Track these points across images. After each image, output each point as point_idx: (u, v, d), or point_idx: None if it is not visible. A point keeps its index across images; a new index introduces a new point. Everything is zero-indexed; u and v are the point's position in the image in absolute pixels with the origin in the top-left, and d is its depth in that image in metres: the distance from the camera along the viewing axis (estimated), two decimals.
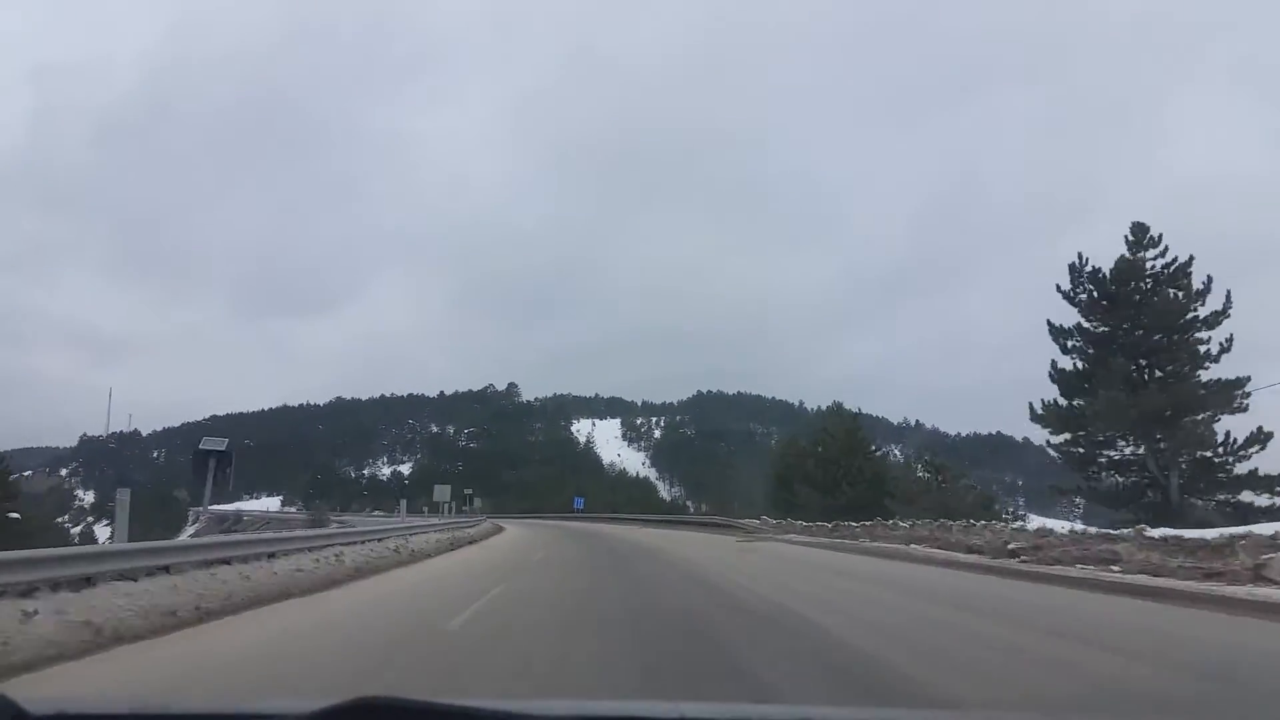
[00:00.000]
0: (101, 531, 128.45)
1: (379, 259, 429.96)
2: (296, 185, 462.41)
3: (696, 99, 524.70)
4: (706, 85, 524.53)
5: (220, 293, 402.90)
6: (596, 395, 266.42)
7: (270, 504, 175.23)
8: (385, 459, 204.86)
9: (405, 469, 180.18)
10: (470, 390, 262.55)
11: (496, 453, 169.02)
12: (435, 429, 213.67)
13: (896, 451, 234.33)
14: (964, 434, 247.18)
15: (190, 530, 76.40)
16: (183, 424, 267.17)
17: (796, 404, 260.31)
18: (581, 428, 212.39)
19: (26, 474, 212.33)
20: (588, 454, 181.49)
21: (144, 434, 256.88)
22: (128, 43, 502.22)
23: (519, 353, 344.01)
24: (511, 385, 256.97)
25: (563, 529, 52.21)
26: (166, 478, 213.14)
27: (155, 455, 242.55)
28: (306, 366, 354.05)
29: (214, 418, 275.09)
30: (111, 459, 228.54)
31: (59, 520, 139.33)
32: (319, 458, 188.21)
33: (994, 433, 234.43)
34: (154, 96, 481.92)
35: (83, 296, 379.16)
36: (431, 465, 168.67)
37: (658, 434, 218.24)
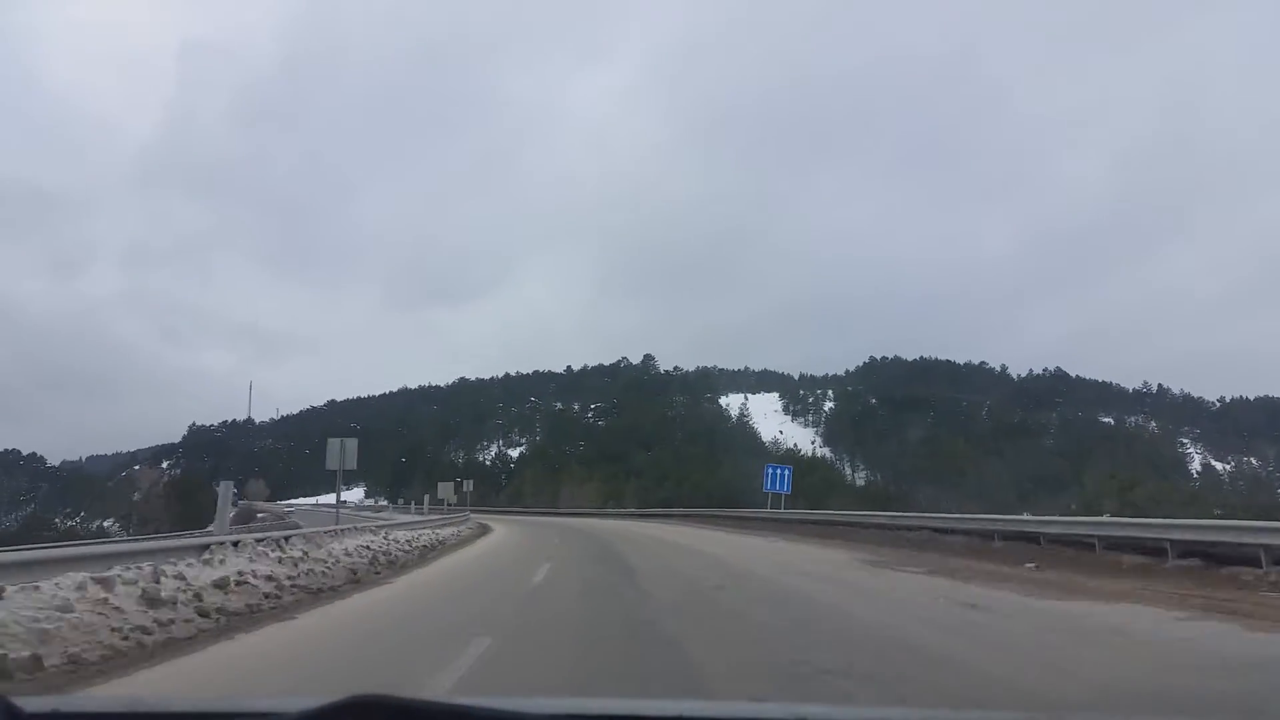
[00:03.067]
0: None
1: (518, 237, 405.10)
2: (436, 163, 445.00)
3: (870, 39, 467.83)
4: (882, 19, 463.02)
5: (351, 275, 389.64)
6: (746, 368, 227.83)
7: (353, 495, 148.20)
8: (501, 440, 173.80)
9: (521, 450, 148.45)
10: (600, 365, 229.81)
11: (627, 429, 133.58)
12: (559, 406, 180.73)
13: (1147, 422, 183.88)
14: (1228, 399, 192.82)
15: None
16: (301, 410, 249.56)
17: (998, 368, 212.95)
18: (732, 402, 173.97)
19: (135, 468, 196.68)
20: (741, 430, 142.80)
21: (258, 421, 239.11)
22: (269, 15, 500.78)
23: (660, 329, 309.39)
24: (648, 357, 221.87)
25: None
26: (260, 467, 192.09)
27: (269, 442, 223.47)
28: (436, 349, 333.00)
29: (332, 403, 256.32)
30: (215, 448, 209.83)
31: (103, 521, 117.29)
32: (426, 442, 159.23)
33: (1265, 396, 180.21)
34: (295, 75, 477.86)
35: (221, 283, 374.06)
36: (548, 445, 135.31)
37: (829, 406, 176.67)
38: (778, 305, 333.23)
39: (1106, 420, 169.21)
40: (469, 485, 58.84)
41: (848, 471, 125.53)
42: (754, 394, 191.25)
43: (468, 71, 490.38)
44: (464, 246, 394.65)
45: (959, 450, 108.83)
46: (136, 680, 5.52)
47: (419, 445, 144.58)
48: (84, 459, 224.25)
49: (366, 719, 1.31)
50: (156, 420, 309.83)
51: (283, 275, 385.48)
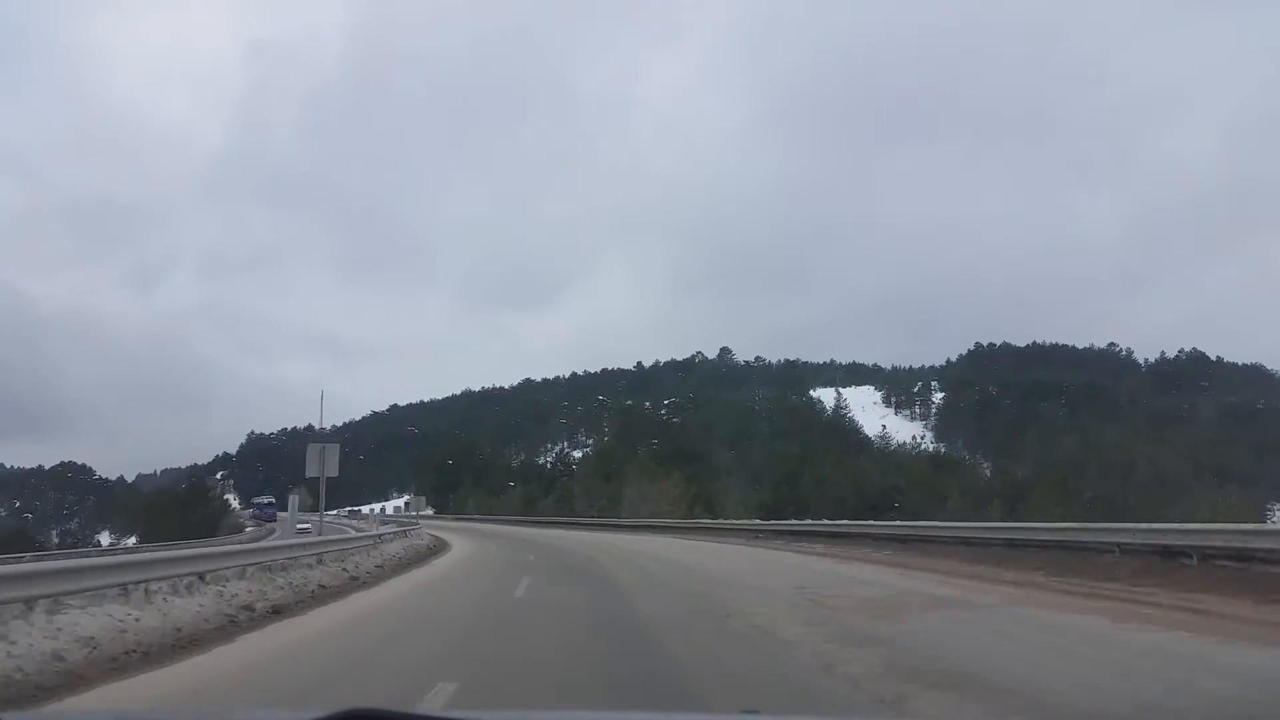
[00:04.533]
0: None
1: (587, 233, 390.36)
2: (503, 163, 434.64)
3: (955, 4, 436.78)
4: None
5: (419, 278, 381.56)
6: (831, 361, 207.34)
7: (393, 505, 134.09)
8: (566, 441, 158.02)
9: (586, 450, 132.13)
10: (673, 360, 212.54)
11: (706, 425, 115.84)
12: (629, 403, 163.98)
13: None
14: None
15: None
16: (363, 416, 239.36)
17: (1123, 352, 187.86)
18: (823, 396, 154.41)
19: (192, 479, 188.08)
20: (838, 424, 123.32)
21: (317, 428, 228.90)
22: (333, 13, 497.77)
23: (734, 324, 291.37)
24: (724, 350, 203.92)
25: None
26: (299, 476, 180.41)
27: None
28: (501, 350, 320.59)
29: (394, 408, 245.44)
30: (269, 457, 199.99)
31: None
32: (484, 445, 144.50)
33: None
34: (361, 75, 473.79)
35: (289, 290, 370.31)
36: (616, 444, 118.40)
37: (939, 398, 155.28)
38: (859, 295, 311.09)
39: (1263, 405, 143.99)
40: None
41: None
42: (844, 388, 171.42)
43: (534, 64, 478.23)
44: (532, 245, 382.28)
45: (1122, 440, 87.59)
46: None
47: (472, 448, 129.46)
48: (158, 472, 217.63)
49: None
50: (224, 431, 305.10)
51: (351, 280, 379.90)
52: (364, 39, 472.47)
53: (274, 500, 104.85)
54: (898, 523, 29.31)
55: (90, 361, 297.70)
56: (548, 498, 76.12)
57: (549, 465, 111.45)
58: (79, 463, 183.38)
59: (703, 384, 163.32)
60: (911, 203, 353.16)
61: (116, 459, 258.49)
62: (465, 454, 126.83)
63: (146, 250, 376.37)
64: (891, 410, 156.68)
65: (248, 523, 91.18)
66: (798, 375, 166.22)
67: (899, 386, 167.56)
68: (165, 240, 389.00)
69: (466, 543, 31.34)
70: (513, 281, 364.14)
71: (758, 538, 29.32)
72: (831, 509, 41.07)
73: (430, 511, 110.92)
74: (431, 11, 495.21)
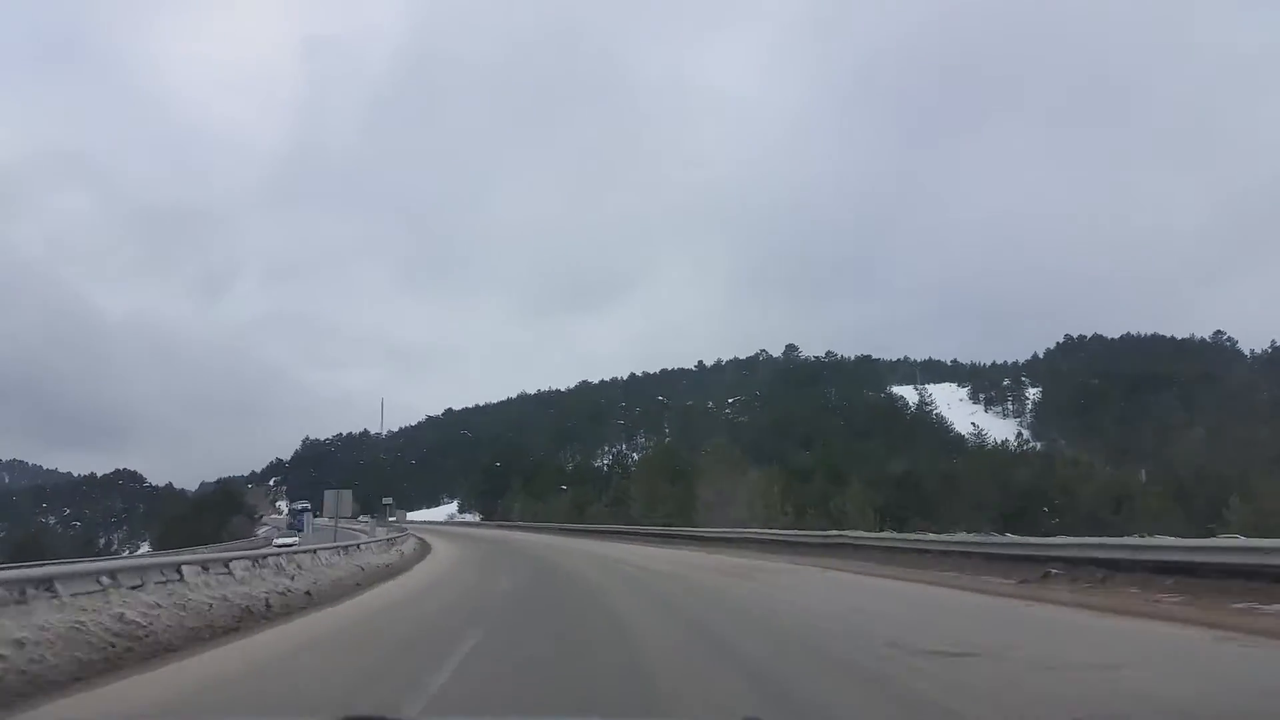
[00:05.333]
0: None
1: (646, 232, 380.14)
2: (558, 162, 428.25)
3: None
4: None
5: (476, 282, 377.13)
6: (905, 358, 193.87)
7: (440, 512, 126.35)
8: (623, 444, 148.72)
9: (645, 451, 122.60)
10: (736, 358, 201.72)
11: (778, 424, 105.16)
12: (690, 403, 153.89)
13: None
14: None
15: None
16: (418, 422, 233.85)
17: (1227, 341, 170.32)
18: (901, 393, 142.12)
19: (249, 486, 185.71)
20: (921, 421, 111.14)
21: (373, 433, 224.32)
22: (389, 12, 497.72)
23: (798, 321, 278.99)
24: (790, 347, 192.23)
25: None
26: (362, 480, 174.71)
27: (380, 455, 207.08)
28: (558, 352, 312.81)
29: (449, 412, 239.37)
30: (322, 463, 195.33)
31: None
32: (537, 449, 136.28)
33: None
34: (418, 74, 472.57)
35: (347, 294, 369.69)
36: (676, 445, 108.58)
37: (1033, 393, 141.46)
38: (930, 289, 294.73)
39: None
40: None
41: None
42: (922, 385, 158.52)
43: (590, 58, 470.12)
44: (589, 246, 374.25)
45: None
46: None
47: (522, 451, 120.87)
48: (220, 480, 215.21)
49: None
50: (283, 437, 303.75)
51: (408, 285, 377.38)
52: (419, 37, 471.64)
53: (309, 506, 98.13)
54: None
55: (153, 370, 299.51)
56: (600, 501, 66.57)
57: (604, 468, 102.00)
58: (131, 470, 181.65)
59: (769, 382, 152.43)
60: (981, 192, 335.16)
61: (177, 467, 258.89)
62: (514, 457, 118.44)
63: (208, 257, 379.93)
64: (980, 407, 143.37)
65: (269, 528, 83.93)
66: (874, 371, 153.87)
67: (982, 382, 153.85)
68: (226, 247, 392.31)
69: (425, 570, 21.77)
70: (570, 283, 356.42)
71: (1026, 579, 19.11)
72: (970, 517, 30.85)
73: (473, 518, 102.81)
74: (485, 4, 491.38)
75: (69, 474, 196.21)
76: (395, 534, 35.91)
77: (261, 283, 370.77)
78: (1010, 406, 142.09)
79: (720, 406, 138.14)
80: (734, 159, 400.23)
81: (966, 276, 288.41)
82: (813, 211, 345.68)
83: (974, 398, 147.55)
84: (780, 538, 26.44)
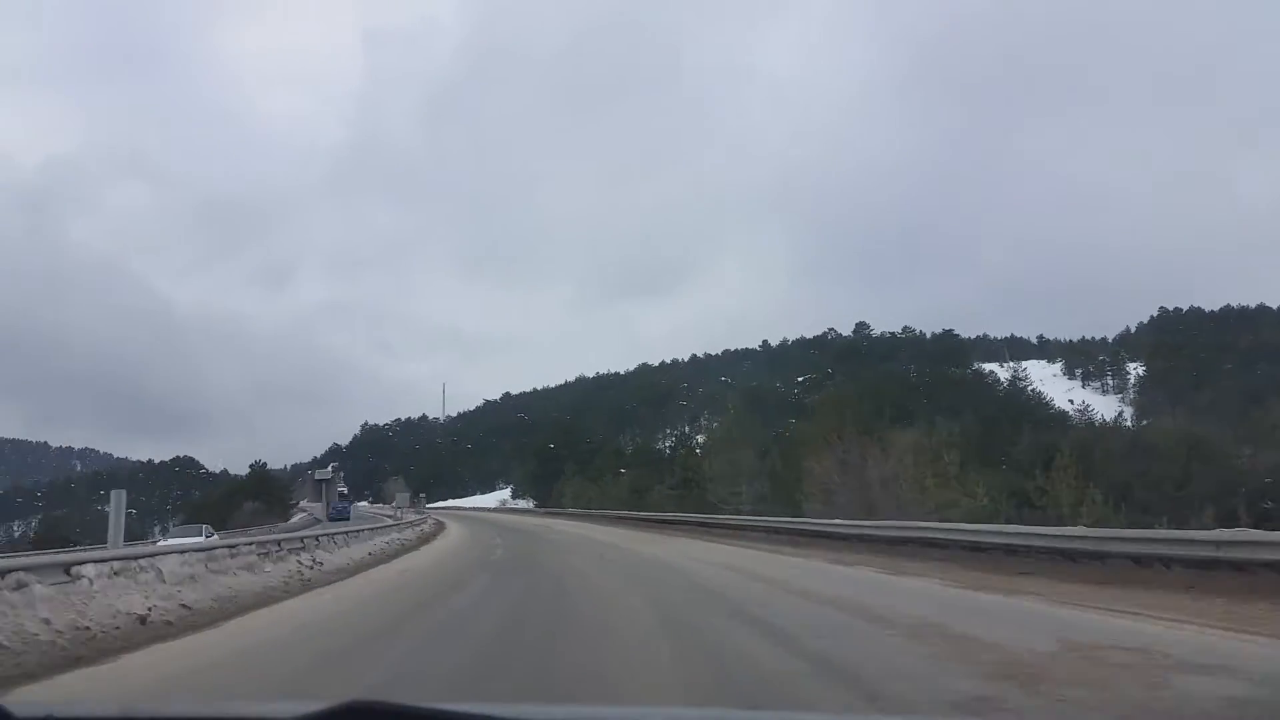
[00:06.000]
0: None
1: (706, 213, 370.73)
2: (618, 145, 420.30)
3: None
4: None
5: (534, 267, 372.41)
6: (984, 335, 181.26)
7: (492, 498, 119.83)
8: (686, 426, 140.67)
9: (711, 430, 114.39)
10: (802, 337, 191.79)
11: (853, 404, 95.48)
12: (754, 384, 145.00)
13: None
14: None
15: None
16: (476, 407, 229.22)
17: None
18: (986, 369, 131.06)
19: (309, 472, 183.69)
20: (1015, 399, 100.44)
21: (430, 418, 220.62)
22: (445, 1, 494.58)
23: (873, 300, 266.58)
24: (861, 325, 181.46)
25: None
26: (417, 465, 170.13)
27: (437, 440, 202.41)
28: (618, 336, 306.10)
29: (507, 396, 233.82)
30: (378, 448, 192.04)
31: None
32: (596, 431, 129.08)
33: None
34: (476, 63, 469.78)
35: (408, 282, 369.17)
36: (739, 425, 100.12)
37: (1135, 368, 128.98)
38: (1006, 266, 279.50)
39: None
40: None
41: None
42: (1009, 362, 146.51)
43: (646, 42, 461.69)
44: (649, 229, 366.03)
45: None
46: None
47: (579, 433, 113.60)
48: (287, 467, 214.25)
49: None
50: (343, 423, 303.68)
51: (468, 271, 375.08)
52: (477, 27, 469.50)
53: (345, 492, 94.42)
54: None
55: (219, 359, 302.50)
56: (664, 484, 58.35)
57: (667, 450, 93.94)
58: (188, 456, 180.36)
59: (841, 359, 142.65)
60: (1058, 168, 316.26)
61: (240, 454, 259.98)
62: (570, 439, 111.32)
63: (272, 249, 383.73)
64: (1076, 383, 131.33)
65: (305, 515, 78.51)
66: (955, 348, 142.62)
67: (1076, 358, 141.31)
68: (290, 238, 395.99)
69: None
70: (629, 268, 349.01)
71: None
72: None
73: (527, 504, 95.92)
74: None
75: (129, 460, 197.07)
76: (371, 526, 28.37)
77: (324, 273, 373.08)
78: (1111, 382, 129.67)
79: (789, 386, 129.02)
80: (793, 138, 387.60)
81: (1044, 252, 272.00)
82: (876, 192, 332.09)
83: (1069, 374, 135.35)
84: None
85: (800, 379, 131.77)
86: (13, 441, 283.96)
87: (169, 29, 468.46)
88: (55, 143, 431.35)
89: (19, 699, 5.13)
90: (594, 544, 25.53)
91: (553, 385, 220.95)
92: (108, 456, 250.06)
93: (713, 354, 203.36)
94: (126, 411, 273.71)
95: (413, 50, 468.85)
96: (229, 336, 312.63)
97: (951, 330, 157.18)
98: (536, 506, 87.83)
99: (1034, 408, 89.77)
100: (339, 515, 63.27)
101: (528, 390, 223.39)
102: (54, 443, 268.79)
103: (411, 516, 48.11)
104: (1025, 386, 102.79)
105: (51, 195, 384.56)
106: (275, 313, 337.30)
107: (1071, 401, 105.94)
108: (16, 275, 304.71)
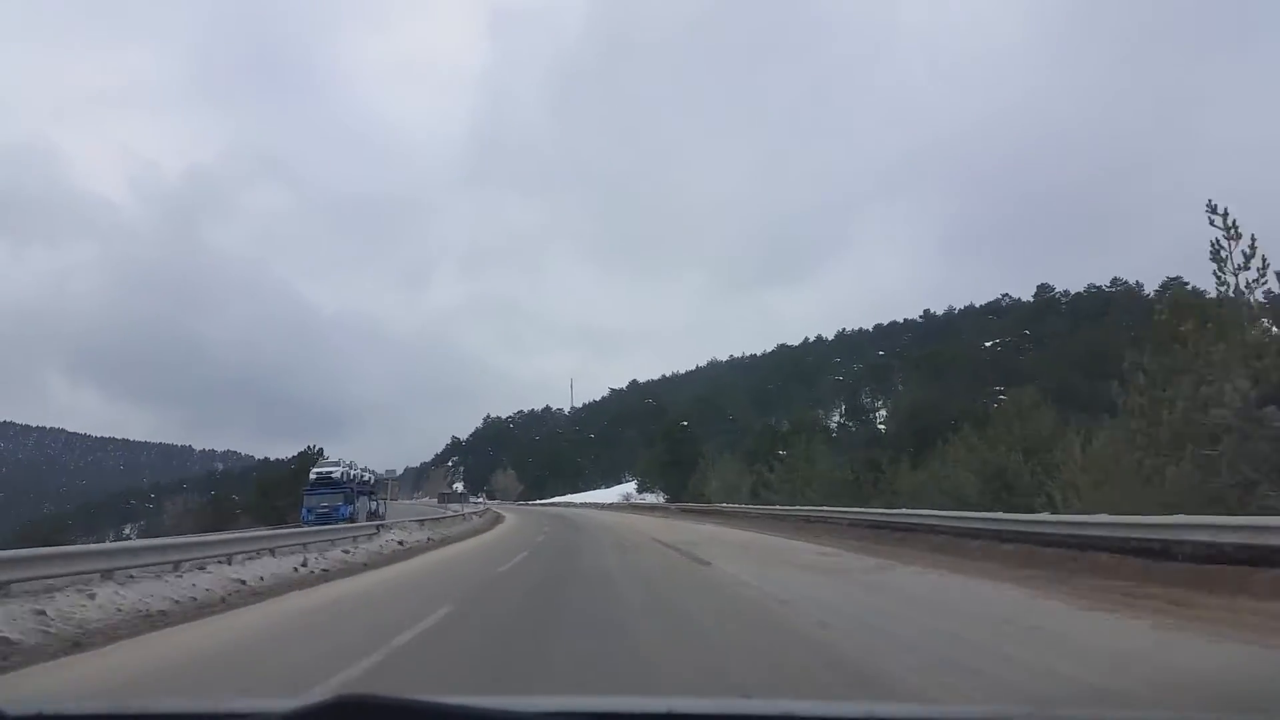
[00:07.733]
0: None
1: (852, 188, 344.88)
2: (757, 120, 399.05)
3: None
4: None
5: (667, 253, 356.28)
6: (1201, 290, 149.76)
7: (614, 492, 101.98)
8: (844, 404, 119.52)
9: (883, 407, 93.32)
10: (971, 305, 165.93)
11: (1075, 359, 73.21)
12: (920, 354, 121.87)
13: None
14: None
15: None
16: (602, 397, 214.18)
17: None
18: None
19: (433, 467, 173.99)
20: None
21: (553, 409, 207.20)
22: None
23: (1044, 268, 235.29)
24: (1044, 286, 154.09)
25: None
26: (537, 457, 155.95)
27: (559, 431, 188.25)
28: (757, 319, 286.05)
29: (634, 384, 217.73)
30: (499, 440, 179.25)
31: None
32: (736, 417, 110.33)
33: None
34: (605, 45, 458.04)
35: (537, 273, 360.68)
36: (917, 399, 78.78)
37: None
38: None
39: None
40: None
41: None
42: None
43: (789, 12, 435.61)
44: (785, 209, 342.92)
45: None
46: None
47: (717, 415, 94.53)
48: (421, 464, 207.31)
49: (353, 718, 1.26)
50: (467, 417, 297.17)
51: (598, 262, 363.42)
52: (606, 3, 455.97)
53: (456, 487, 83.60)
54: None
55: (358, 359, 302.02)
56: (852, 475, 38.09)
57: (834, 426, 73.34)
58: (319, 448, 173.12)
59: (1028, 321, 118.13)
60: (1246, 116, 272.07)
61: (372, 451, 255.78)
62: (708, 420, 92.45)
63: (407, 249, 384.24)
64: None
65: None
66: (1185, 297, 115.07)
67: None
68: (423, 237, 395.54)
69: None
70: (765, 252, 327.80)
71: None
72: None
73: (656, 498, 77.68)
74: None
75: (255, 457, 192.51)
76: None
77: (457, 269, 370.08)
78: None
79: (973, 351, 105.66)
80: (945, 103, 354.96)
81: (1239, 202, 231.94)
82: (1046, 154, 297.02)
83: None
84: None
85: (988, 344, 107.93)
86: (159, 445, 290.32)
87: (296, 39, 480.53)
88: (197, 152, 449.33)
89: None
90: None
91: (682, 371, 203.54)
92: (250, 458, 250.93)
93: (864, 329, 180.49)
94: (270, 416, 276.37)
95: (540, 30, 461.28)
96: (368, 337, 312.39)
97: (1179, 277, 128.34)
98: (668, 501, 69.58)
99: None
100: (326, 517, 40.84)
101: (657, 378, 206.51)
102: (198, 446, 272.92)
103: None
104: None
105: (193, 203, 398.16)
106: (412, 313, 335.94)
107: None
108: (156, 285, 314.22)
